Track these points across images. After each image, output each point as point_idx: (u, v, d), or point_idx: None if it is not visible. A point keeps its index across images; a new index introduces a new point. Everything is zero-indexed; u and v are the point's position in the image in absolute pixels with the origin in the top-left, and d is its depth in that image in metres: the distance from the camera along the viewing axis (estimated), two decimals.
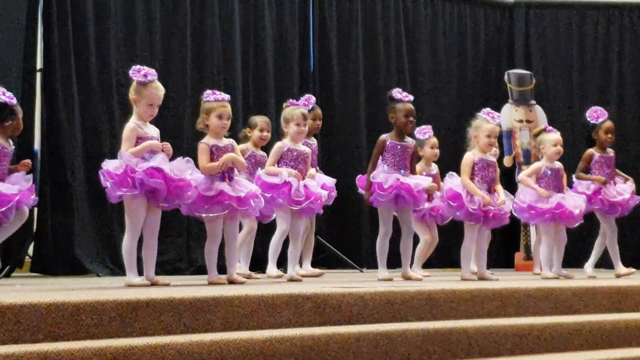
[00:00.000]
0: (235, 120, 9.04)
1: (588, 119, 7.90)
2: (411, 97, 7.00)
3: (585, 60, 11.25)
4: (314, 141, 7.77)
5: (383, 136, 6.94)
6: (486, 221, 7.01)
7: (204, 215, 6.07)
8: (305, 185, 6.58)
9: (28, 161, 6.52)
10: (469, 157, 7.06)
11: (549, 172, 7.43)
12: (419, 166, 7.74)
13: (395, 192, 6.78)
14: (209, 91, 6.30)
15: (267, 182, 6.53)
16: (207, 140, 6.18)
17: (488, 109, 7.23)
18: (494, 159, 7.21)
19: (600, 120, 7.84)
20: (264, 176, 6.58)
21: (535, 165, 7.58)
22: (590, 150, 7.83)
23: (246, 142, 7.58)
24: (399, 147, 6.89)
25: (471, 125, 7.18)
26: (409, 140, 6.97)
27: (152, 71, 5.94)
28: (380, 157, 6.94)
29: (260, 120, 7.65)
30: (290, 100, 7.10)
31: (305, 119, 6.83)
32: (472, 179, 7.00)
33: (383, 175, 6.82)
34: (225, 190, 6.01)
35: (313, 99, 7.73)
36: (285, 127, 6.82)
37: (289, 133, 6.78)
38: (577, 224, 7.53)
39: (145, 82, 5.87)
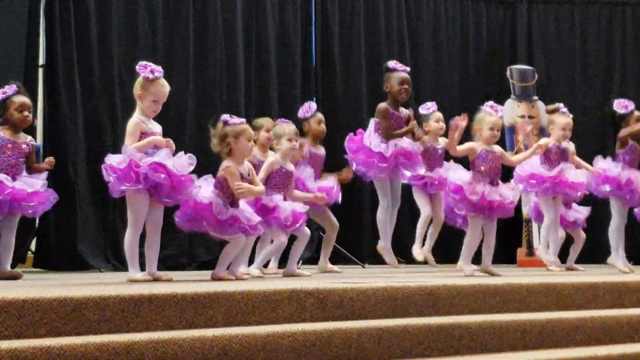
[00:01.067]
0: (237, 115, 9.08)
1: (616, 110, 8.00)
2: (407, 68, 7.02)
3: (588, 56, 11.23)
4: (321, 150, 7.79)
5: (384, 105, 6.92)
6: (490, 213, 6.97)
7: (226, 237, 5.92)
8: (293, 211, 6.57)
9: (51, 159, 6.55)
10: (473, 145, 7.03)
11: (555, 149, 7.56)
12: (424, 138, 7.94)
13: (395, 158, 6.83)
14: (226, 115, 6.10)
15: (263, 205, 6.48)
16: (234, 164, 5.98)
17: (491, 102, 7.23)
18: (499, 151, 7.18)
19: (630, 108, 7.95)
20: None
21: (543, 140, 7.70)
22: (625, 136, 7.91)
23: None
24: (396, 116, 6.92)
25: (474, 119, 7.19)
26: (403, 110, 6.99)
27: (159, 68, 5.93)
28: (374, 126, 6.96)
29: (264, 121, 7.54)
30: (279, 119, 7.11)
31: (297, 134, 6.86)
32: (474, 169, 6.98)
33: (383, 145, 6.83)
34: (239, 216, 5.89)
35: (313, 104, 7.80)
36: (276, 143, 6.80)
37: (280, 149, 6.77)
38: (578, 195, 7.73)
39: (152, 78, 5.87)
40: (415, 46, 10.68)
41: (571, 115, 7.89)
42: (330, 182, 7.61)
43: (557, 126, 7.78)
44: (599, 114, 11.05)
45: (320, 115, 7.81)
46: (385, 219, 7.02)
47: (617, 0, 11.31)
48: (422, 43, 10.74)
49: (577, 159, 8.02)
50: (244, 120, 6.18)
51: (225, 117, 6.10)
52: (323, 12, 10.12)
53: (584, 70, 11.21)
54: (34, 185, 6.33)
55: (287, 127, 6.85)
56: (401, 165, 6.98)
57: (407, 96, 7.03)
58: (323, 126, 7.80)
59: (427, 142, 8.06)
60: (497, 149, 7.11)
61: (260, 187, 6.14)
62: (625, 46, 11.22)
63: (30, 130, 8.35)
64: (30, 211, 6.40)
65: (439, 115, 8.24)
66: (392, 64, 7.04)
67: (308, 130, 7.74)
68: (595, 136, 10.75)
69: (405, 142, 6.97)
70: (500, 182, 7.03)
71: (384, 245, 7.07)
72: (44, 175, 6.52)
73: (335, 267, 7.93)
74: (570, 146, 8.06)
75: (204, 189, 5.92)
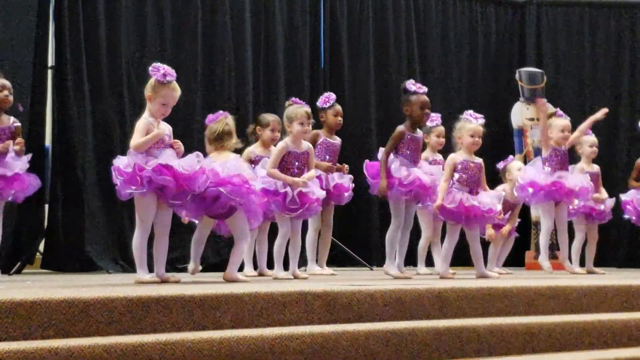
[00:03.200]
0: (245, 117, 9.10)
1: None
2: (425, 89, 6.93)
3: (597, 59, 11.22)
4: (337, 140, 7.75)
5: (401, 127, 6.85)
6: (468, 221, 6.98)
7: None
8: (300, 193, 6.53)
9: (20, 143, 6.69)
10: (452, 158, 7.05)
11: (554, 154, 7.53)
12: (424, 154, 7.87)
13: (415, 189, 6.72)
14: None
15: (264, 188, 6.50)
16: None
17: (471, 111, 7.22)
18: (480, 160, 7.17)
19: None
20: (263, 180, 6.54)
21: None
22: None
23: (254, 141, 7.53)
24: (413, 139, 6.83)
25: (454, 128, 7.17)
26: (419, 132, 6.93)
27: (172, 71, 5.88)
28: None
29: (272, 119, 7.54)
30: (293, 98, 7.06)
31: (309, 117, 6.76)
32: (452, 180, 7.00)
33: (404, 170, 6.74)
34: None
35: (333, 96, 7.74)
36: (288, 126, 6.75)
37: (292, 132, 6.71)
38: (576, 202, 7.73)
39: (164, 82, 5.85)
40: (424, 49, 10.69)
41: (568, 118, 7.89)
42: (347, 181, 7.58)
43: (555, 128, 7.76)
44: (608, 116, 11.05)
45: (338, 107, 7.75)
46: (394, 239, 6.89)
47: (626, 2, 11.29)
48: (430, 45, 10.74)
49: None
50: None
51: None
52: (332, 13, 10.13)
53: (593, 73, 11.19)
54: (13, 168, 6.45)
55: (299, 110, 6.76)
56: (416, 196, 6.83)
57: (428, 119, 7.01)
58: (340, 119, 7.74)
59: (427, 158, 8.00)
60: (478, 160, 7.10)
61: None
62: (635, 48, 11.20)
63: (40, 132, 8.42)
64: (9, 198, 6.63)
65: (441, 130, 8.20)
66: (410, 86, 6.88)
67: (324, 121, 7.71)
68: (604, 140, 10.71)
69: (425, 175, 6.85)
70: (480, 191, 7.02)
71: (388, 264, 6.95)
72: (26, 158, 6.67)
73: (329, 270, 7.81)
74: (594, 168, 8.20)
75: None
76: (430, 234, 8.14)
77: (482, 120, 7.18)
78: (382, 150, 6.83)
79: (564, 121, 7.76)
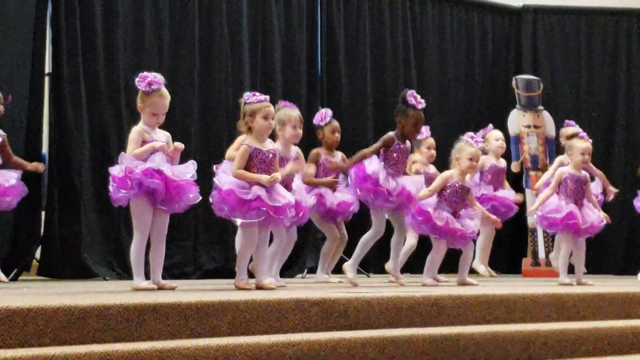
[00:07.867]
0: None
1: None
2: (424, 104, 6.88)
3: (593, 66, 11.23)
4: (337, 156, 7.73)
5: (392, 134, 6.81)
6: (453, 240, 7.00)
7: (239, 220, 5.79)
8: (296, 202, 6.10)
9: (38, 166, 6.85)
10: (447, 176, 7.04)
11: (570, 180, 7.37)
12: (416, 166, 8.02)
13: (401, 199, 6.71)
14: (249, 93, 6.00)
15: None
16: (250, 142, 5.86)
17: (471, 133, 7.20)
18: (470, 184, 7.20)
19: None
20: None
21: (559, 171, 7.50)
22: None
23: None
24: (401, 149, 6.82)
25: (454, 147, 7.15)
26: (408, 143, 6.92)
27: (158, 79, 5.84)
28: (380, 155, 6.82)
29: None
30: (283, 102, 6.93)
31: (302, 121, 6.66)
32: (441, 196, 6.99)
33: (392, 181, 6.71)
34: (262, 197, 5.68)
35: (330, 112, 7.71)
36: (279, 129, 6.48)
37: (283, 136, 6.52)
38: (588, 236, 7.49)
39: (149, 91, 5.83)
40: (421, 56, 10.69)
41: (590, 140, 7.57)
42: (350, 197, 7.50)
43: (575, 151, 7.40)
44: (605, 124, 11.07)
45: (335, 124, 7.72)
46: (368, 244, 6.86)
47: (623, 10, 11.31)
48: (427, 53, 10.75)
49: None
50: (263, 97, 5.95)
51: (246, 95, 5.97)
52: (328, 21, 10.13)
53: (590, 80, 11.21)
54: (9, 179, 6.60)
55: (292, 113, 6.58)
56: (400, 206, 6.80)
57: (417, 136, 7.03)
58: (337, 135, 7.70)
59: (419, 170, 8.05)
60: (468, 185, 7.11)
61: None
62: (631, 55, 11.22)
63: (37, 139, 8.41)
64: (5, 206, 6.91)
65: (431, 141, 8.22)
66: (411, 98, 6.77)
67: (322, 138, 7.70)
68: (600, 146, 10.73)
69: (411, 184, 6.80)
70: (462, 213, 7.04)
71: (351, 264, 6.90)
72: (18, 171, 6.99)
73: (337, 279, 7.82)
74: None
75: (225, 177, 5.81)
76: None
77: (482, 145, 7.20)
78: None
79: (586, 144, 7.43)
